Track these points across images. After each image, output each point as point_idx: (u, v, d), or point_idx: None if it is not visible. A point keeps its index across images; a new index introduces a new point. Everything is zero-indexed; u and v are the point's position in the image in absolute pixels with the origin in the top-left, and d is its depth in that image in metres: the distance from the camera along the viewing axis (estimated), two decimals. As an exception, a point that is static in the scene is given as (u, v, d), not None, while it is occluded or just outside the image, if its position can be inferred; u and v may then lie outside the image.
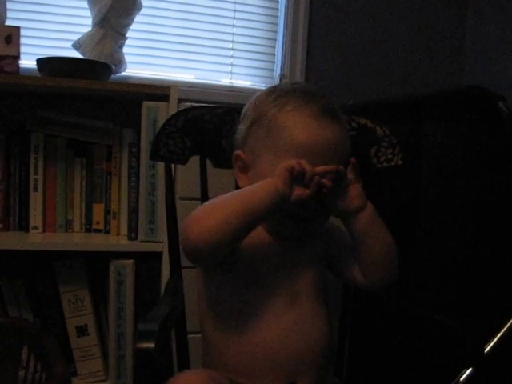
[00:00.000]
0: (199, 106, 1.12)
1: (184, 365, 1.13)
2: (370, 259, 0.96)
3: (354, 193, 0.91)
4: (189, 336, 1.16)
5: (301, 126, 0.90)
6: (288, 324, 0.92)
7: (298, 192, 0.85)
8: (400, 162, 1.11)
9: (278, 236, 0.97)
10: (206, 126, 1.11)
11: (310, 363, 0.93)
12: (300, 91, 0.94)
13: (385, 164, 1.11)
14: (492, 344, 1.18)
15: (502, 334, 1.18)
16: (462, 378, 1.22)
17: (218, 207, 0.86)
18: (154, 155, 1.10)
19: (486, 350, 1.14)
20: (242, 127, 0.98)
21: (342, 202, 0.91)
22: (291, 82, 1.01)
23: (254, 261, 0.95)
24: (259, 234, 0.96)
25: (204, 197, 1.17)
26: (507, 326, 1.20)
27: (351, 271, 1.00)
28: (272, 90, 0.97)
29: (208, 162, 1.16)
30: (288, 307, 0.93)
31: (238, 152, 0.98)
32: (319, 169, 0.86)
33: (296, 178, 0.84)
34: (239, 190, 0.91)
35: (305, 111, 0.91)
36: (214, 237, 0.83)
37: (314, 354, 0.94)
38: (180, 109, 1.19)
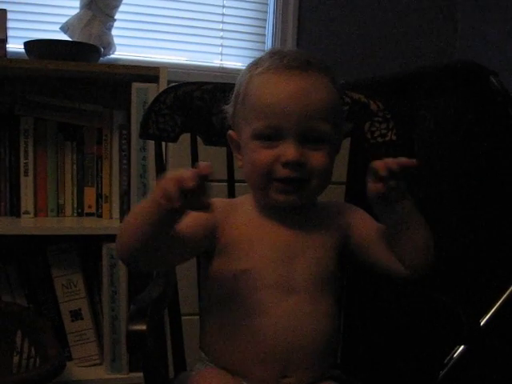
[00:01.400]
0: (189, 82, 1.10)
1: (178, 347, 1.12)
2: (413, 248, 0.89)
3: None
4: (183, 318, 1.15)
5: (265, 86, 0.87)
6: (281, 316, 0.88)
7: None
8: (394, 138, 1.09)
9: (272, 208, 0.93)
10: (196, 102, 1.10)
11: (304, 359, 0.89)
12: (272, 52, 0.91)
13: (379, 139, 1.09)
14: (487, 318, 1.18)
15: (497, 308, 1.18)
16: (455, 355, 1.23)
17: (126, 226, 0.81)
18: (144, 133, 1.08)
19: (482, 324, 1.14)
20: (228, 106, 0.97)
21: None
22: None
23: (244, 249, 0.91)
24: (255, 216, 0.94)
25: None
26: (501, 299, 1.20)
27: (387, 261, 0.94)
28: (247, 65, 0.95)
29: (199, 141, 1.14)
30: (282, 299, 0.89)
31: (229, 132, 0.97)
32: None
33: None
34: (141, 204, 0.79)
35: (270, 70, 0.87)
36: (128, 251, 0.81)
37: (310, 350, 0.89)
38: (170, 88, 1.18)
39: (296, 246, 0.92)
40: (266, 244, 0.91)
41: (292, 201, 0.90)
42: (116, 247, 0.83)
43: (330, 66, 0.91)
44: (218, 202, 0.94)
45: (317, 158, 0.87)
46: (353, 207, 1.01)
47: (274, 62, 0.88)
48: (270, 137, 0.87)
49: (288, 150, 0.85)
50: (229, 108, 0.97)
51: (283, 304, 0.89)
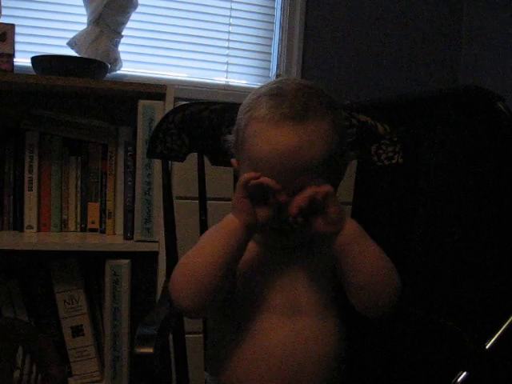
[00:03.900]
0: (197, 102, 1.11)
1: (182, 368, 1.11)
2: (355, 283, 0.87)
3: (329, 218, 0.83)
4: (187, 336, 1.14)
5: (259, 137, 0.85)
6: (287, 336, 0.90)
7: (262, 214, 0.84)
8: (401, 161, 1.09)
9: (269, 246, 0.95)
10: (204, 122, 1.10)
11: (311, 377, 0.90)
12: (271, 94, 0.87)
13: (385, 162, 1.09)
14: (492, 343, 1.17)
15: (502, 332, 1.17)
16: (459, 380, 1.21)
17: (194, 269, 0.84)
18: (151, 153, 1.08)
19: (487, 347, 1.13)
20: (231, 136, 0.97)
21: (317, 224, 0.83)
22: (275, 80, 0.95)
23: (248, 276, 0.93)
24: (255, 248, 0.94)
25: (202, 196, 1.16)
26: (506, 324, 1.19)
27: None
28: (251, 93, 0.92)
29: (206, 160, 1.14)
30: (288, 320, 0.90)
31: (231, 160, 0.97)
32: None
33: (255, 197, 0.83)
34: (207, 237, 0.90)
35: (265, 118, 0.84)
36: (201, 300, 0.85)
37: (316, 368, 0.91)
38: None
39: (297, 270, 0.94)
40: (269, 271, 0.93)
41: (287, 243, 0.93)
42: (177, 298, 0.86)
43: (330, 102, 0.88)
44: None
45: None
46: None
47: (271, 109, 0.84)
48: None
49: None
50: (231, 137, 0.97)
51: (289, 325, 0.90)
